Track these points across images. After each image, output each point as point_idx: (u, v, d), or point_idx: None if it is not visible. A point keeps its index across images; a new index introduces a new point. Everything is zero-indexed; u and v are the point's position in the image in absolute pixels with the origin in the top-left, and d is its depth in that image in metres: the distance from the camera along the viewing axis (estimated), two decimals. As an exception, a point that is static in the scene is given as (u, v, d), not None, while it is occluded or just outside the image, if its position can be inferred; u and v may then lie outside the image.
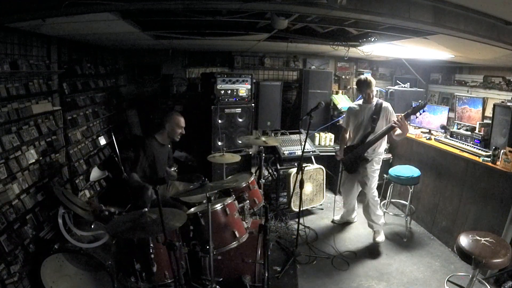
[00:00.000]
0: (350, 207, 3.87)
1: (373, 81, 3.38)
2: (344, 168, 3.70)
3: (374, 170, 3.44)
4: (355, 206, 3.89)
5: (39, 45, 2.78)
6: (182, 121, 3.08)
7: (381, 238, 3.47)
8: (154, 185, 1.90)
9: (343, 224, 3.96)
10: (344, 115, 3.73)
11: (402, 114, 3.19)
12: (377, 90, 4.63)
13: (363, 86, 3.36)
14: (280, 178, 4.27)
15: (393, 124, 3.20)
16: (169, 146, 3.43)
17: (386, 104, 3.39)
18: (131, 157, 3.18)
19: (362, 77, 3.45)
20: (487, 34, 2.22)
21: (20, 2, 1.81)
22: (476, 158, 3.11)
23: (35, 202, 2.55)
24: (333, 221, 3.98)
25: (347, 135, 3.69)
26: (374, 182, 3.47)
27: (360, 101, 3.54)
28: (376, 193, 3.50)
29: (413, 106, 3.35)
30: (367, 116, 3.40)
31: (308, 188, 4.03)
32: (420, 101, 3.56)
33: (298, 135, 4.18)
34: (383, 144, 3.47)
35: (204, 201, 2.37)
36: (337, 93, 5.06)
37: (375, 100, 3.42)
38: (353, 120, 3.52)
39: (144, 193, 2.73)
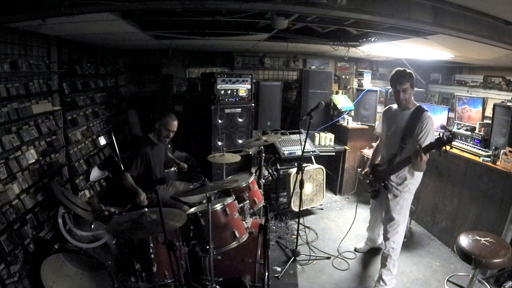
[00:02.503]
0: (374, 233, 3.30)
1: (407, 73, 2.47)
2: (369, 190, 2.91)
3: (399, 207, 2.61)
4: (380, 232, 3.22)
5: (39, 45, 2.78)
6: (172, 124, 2.99)
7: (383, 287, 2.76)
8: (154, 185, 1.91)
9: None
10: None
11: (422, 145, 2.28)
12: (380, 91, 4.62)
13: (392, 80, 2.51)
14: (280, 178, 4.27)
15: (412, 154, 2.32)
16: (169, 146, 3.43)
17: (427, 115, 2.43)
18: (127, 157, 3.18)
19: (398, 69, 2.53)
20: (487, 34, 2.22)
21: (20, 2, 1.81)
22: (476, 158, 3.11)
23: (35, 202, 2.55)
24: (356, 250, 3.38)
25: (381, 146, 2.91)
26: (396, 226, 2.65)
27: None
28: (399, 239, 2.69)
29: (439, 135, 2.15)
30: (399, 128, 2.55)
31: (308, 188, 4.02)
32: (445, 129, 2.43)
33: (298, 135, 4.17)
34: (416, 174, 2.57)
35: (204, 201, 2.37)
36: (337, 93, 5.06)
37: (414, 106, 2.53)
38: (386, 128, 2.75)
39: (136, 197, 2.73)
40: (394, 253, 2.71)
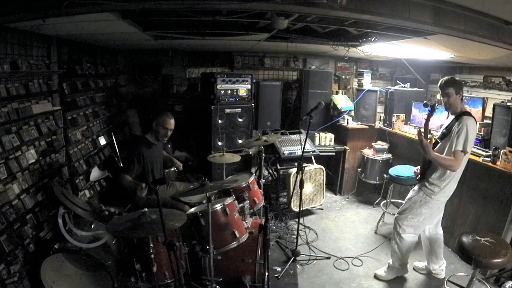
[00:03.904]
0: (429, 249, 2.95)
1: (450, 79, 2.53)
2: None
3: (417, 198, 2.65)
4: (438, 252, 2.91)
5: (39, 45, 2.78)
6: (168, 122, 2.96)
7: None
8: (154, 185, 1.90)
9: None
10: None
11: (453, 145, 2.43)
12: (380, 91, 4.61)
13: (440, 87, 2.58)
14: (280, 178, 4.27)
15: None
16: (168, 146, 3.43)
17: (466, 119, 2.42)
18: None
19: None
20: (487, 34, 2.22)
21: (20, 2, 1.81)
22: (476, 158, 3.11)
23: (35, 202, 2.55)
24: (414, 269, 3.10)
25: None
26: (408, 212, 2.68)
27: None
28: (407, 232, 2.70)
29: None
30: (443, 128, 2.68)
31: (308, 188, 4.02)
32: (426, 101, 2.58)
33: (298, 135, 4.17)
34: (446, 176, 2.54)
35: (204, 201, 2.37)
36: (337, 93, 5.06)
37: (460, 112, 2.53)
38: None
39: (136, 190, 2.71)
40: (398, 247, 2.75)
